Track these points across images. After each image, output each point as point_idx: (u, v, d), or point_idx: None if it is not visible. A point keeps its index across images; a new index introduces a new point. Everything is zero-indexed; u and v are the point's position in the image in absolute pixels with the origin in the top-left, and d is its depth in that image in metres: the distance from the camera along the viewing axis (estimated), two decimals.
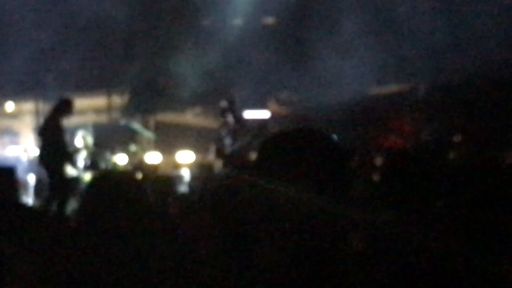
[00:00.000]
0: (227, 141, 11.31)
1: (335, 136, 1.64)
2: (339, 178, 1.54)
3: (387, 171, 2.80)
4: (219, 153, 11.21)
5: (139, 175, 9.88)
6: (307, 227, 1.47)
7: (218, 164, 11.17)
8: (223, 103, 11.40)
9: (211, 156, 11.65)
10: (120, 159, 12.30)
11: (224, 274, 1.59)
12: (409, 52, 12.35)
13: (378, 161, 10.71)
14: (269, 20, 14.87)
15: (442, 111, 11.82)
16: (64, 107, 9.96)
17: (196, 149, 13.11)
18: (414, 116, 12.60)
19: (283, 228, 1.49)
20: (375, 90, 14.11)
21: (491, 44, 11.79)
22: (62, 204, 9.25)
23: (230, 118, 11.26)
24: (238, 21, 14.69)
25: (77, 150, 11.00)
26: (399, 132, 12.46)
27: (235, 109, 11.46)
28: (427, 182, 2.46)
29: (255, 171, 1.55)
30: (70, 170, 10.33)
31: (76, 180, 10.54)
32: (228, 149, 11.26)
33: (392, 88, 13.93)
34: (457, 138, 11.08)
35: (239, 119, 11.50)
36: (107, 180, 2.22)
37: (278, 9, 14.11)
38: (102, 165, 11.53)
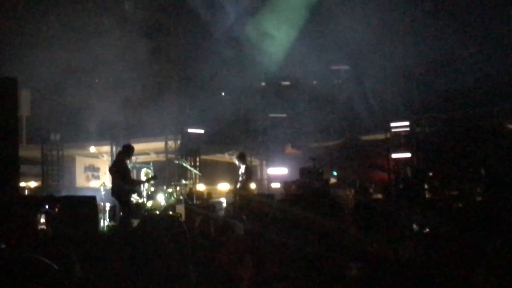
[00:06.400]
0: None
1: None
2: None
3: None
4: None
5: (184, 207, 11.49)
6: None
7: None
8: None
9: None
10: (174, 190, 13.45)
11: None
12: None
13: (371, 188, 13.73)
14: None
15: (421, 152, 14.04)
16: (126, 151, 11.37)
17: (230, 182, 14.85)
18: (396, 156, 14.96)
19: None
20: (366, 137, 16.62)
21: None
22: (126, 225, 10.51)
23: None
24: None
25: (141, 183, 12.40)
26: (384, 169, 14.87)
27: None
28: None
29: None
30: (135, 198, 11.95)
31: (140, 206, 12.13)
32: None
33: (379, 136, 16.26)
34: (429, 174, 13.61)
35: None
36: (153, 222, 2.58)
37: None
38: (160, 195, 12.92)
